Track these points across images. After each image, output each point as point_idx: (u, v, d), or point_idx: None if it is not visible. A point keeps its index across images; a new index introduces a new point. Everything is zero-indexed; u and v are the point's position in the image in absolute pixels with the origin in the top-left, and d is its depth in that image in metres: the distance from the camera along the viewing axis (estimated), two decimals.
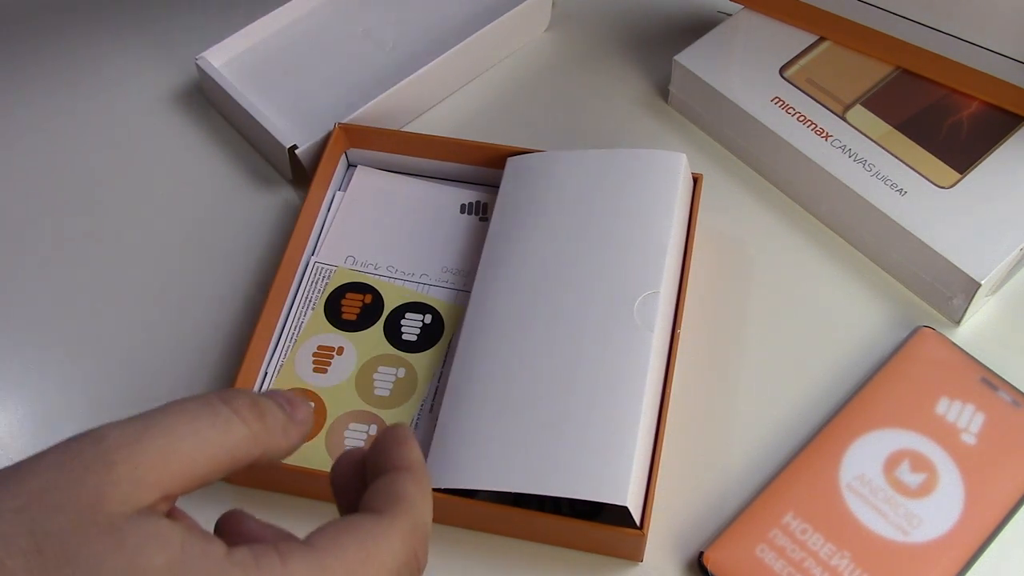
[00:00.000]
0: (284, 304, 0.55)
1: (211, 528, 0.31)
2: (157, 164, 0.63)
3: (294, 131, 0.61)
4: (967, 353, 0.53)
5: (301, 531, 0.30)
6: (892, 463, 0.50)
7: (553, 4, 0.67)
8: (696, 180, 0.57)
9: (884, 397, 0.52)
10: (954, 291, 0.54)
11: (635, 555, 0.49)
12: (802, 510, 0.49)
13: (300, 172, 0.61)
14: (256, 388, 0.53)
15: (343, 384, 0.53)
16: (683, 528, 0.50)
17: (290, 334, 0.55)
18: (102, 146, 0.64)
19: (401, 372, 0.54)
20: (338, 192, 0.60)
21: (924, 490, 0.49)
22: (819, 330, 0.56)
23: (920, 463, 0.50)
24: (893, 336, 0.55)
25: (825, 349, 0.55)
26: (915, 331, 0.54)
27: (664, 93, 0.64)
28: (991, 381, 0.52)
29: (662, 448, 0.48)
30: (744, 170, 0.62)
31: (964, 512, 0.49)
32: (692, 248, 0.54)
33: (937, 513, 0.49)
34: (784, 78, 0.60)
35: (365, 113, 0.61)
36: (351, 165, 0.61)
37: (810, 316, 0.56)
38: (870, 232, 0.57)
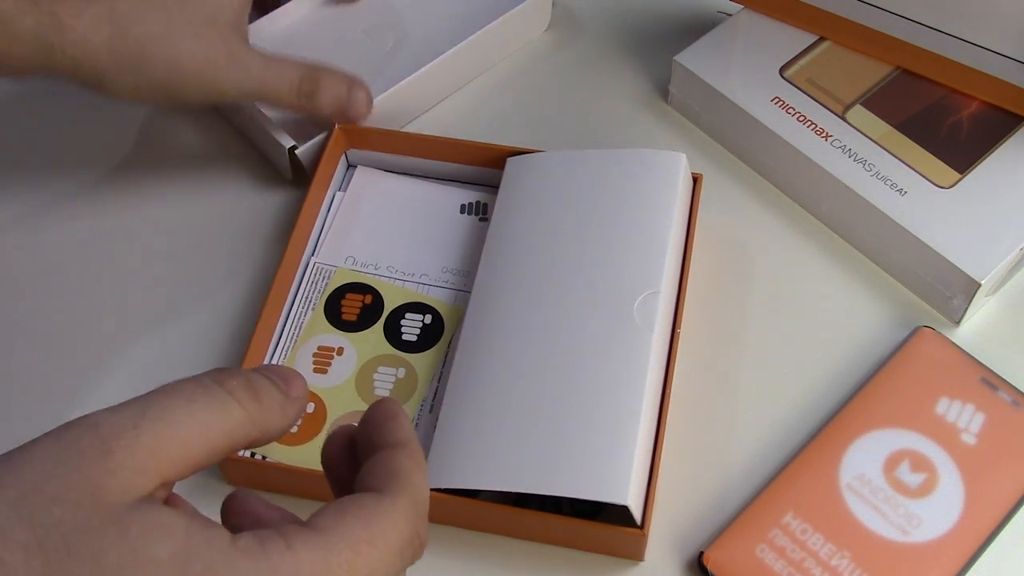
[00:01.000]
0: (284, 305, 0.55)
1: (217, 512, 0.30)
2: (157, 164, 0.63)
3: (294, 131, 0.61)
4: (967, 353, 0.53)
5: None
6: (892, 463, 0.50)
7: (553, 4, 0.67)
8: (696, 180, 0.57)
9: (884, 397, 0.52)
10: (954, 291, 0.54)
11: (636, 555, 0.49)
12: (802, 510, 0.49)
13: (300, 172, 0.61)
14: None
15: (343, 384, 0.53)
16: (683, 528, 0.50)
17: (290, 335, 0.55)
18: (102, 146, 0.64)
19: (401, 372, 0.54)
20: (338, 192, 0.60)
21: (924, 490, 0.49)
22: (819, 330, 0.56)
23: (920, 463, 0.50)
24: (893, 336, 0.55)
25: (825, 349, 0.55)
26: (915, 331, 0.54)
27: (664, 93, 0.64)
28: (991, 381, 0.52)
29: (662, 448, 0.48)
30: (744, 170, 0.61)
31: (964, 512, 0.49)
32: (692, 248, 0.54)
33: (937, 513, 0.49)
34: (784, 78, 0.60)
35: None
36: (351, 165, 0.61)
37: (810, 316, 0.56)
38: (870, 232, 0.57)
